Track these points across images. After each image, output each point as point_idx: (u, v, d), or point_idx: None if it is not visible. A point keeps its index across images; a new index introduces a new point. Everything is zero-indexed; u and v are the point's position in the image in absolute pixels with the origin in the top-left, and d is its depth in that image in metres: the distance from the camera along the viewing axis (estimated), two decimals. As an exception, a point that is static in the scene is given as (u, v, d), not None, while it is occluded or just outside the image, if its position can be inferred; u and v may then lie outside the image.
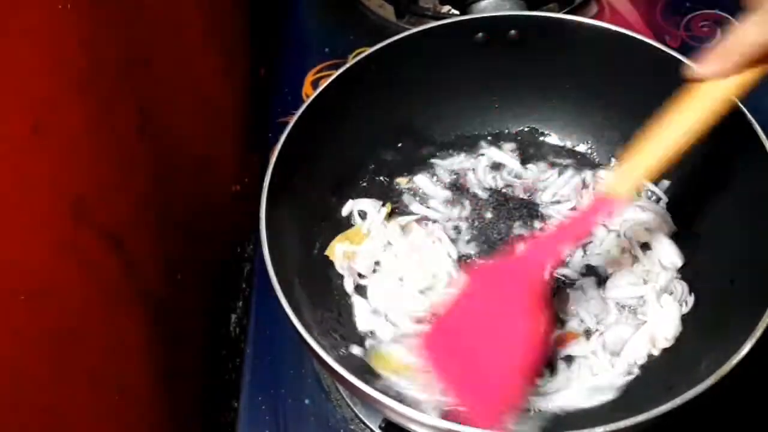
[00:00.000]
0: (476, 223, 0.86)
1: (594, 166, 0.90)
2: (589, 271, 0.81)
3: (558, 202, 0.87)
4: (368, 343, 0.78)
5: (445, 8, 1.08)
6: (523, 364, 0.65)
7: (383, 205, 0.86)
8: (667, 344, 0.75)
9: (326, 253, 0.82)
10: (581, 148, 0.92)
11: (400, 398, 0.66)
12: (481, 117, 0.93)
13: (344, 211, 0.85)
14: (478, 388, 0.66)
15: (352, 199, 0.86)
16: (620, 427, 0.59)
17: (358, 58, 0.82)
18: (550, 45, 0.84)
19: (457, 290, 0.72)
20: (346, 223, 0.86)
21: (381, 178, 0.90)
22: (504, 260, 0.72)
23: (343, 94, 0.81)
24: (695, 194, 0.82)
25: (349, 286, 0.81)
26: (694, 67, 0.65)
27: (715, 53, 0.63)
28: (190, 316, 0.90)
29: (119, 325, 0.72)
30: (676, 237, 0.82)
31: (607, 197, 0.68)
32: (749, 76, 0.64)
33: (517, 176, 0.90)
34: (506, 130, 0.93)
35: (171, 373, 0.82)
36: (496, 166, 0.90)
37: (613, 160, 0.89)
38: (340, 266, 0.82)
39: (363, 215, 0.86)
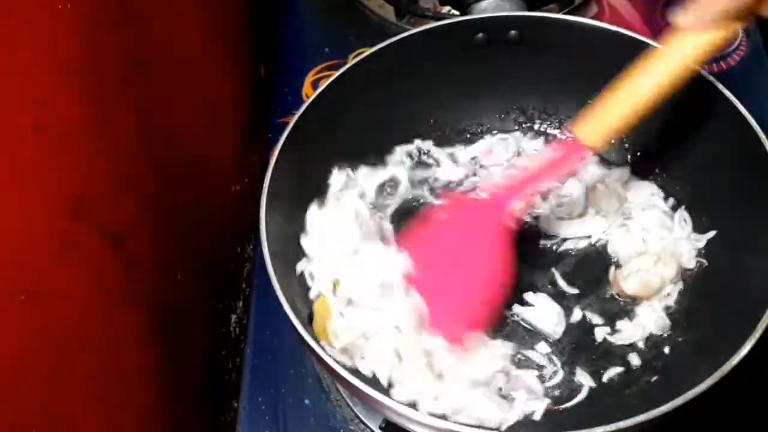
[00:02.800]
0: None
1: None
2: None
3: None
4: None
5: (445, 9, 1.08)
6: (484, 295, 0.73)
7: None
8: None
9: (322, 343, 0.70)
10: (581, 148, 0.91)
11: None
12: (482, 117, 0.93)
13: (297, 269, 0.78)
14: (447, 310, 0.73)
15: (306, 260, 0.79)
16: (620, 427, 0.59)
17: (358, 58, 0.82)
18: (550, 45, 0.84)
19: (434, 216, 0.78)
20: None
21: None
22: (474, 199, 0.78)
23: (343, 95, 0.81)
24: (697, 196, 0.82)
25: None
26: (675, 14, 0.66)
27: (696, 3, 0.65)
28: (190, 316, 0.90)
29: (119, 325, 0.72)
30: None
31: (577, 143, 0.71)
32: (721, 33, 0.65)
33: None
34: (507, 130, 0.93)
35: (171, 372, 0.82)
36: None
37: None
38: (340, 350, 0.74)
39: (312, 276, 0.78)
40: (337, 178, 0.84)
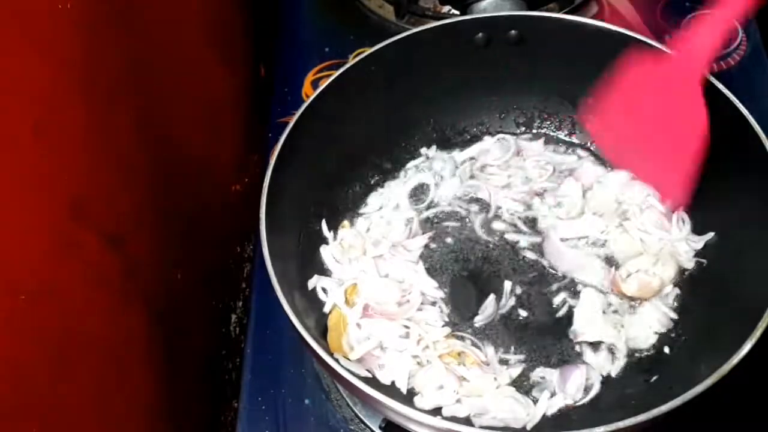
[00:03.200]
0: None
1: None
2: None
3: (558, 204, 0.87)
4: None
5: (445, 8, 1.08)
6: (692, 147, 0.73)
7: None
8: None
9: (336, 356, 0.70)
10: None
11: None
12: (481, 117, 0.93)
13: (309, 285, 0.78)
14: (660, 168, 0.76)
15: (318, 275, 0.79)
16: (620, 427, 0.59)
17: (358, 58, 0.82)
18: (550, 45, 0.84)
19: (620, 78, 0.78)
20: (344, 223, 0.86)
21: (378, 177, 0.90)
22: (666, 56, 0.76)
23: (343, 94, 0.81)
24: (696, 195, 0.82)
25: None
26: None
27: None
28: (190, 316, 0.90)
29: (119, 324, 0.72)
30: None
31: None
32: None
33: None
34: (506, 130, 0.93)
35: (171, 372, 0.82)
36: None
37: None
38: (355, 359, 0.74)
39: (326, 291, 0.78)
40: (374, 199, 0.88)
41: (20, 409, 0.57)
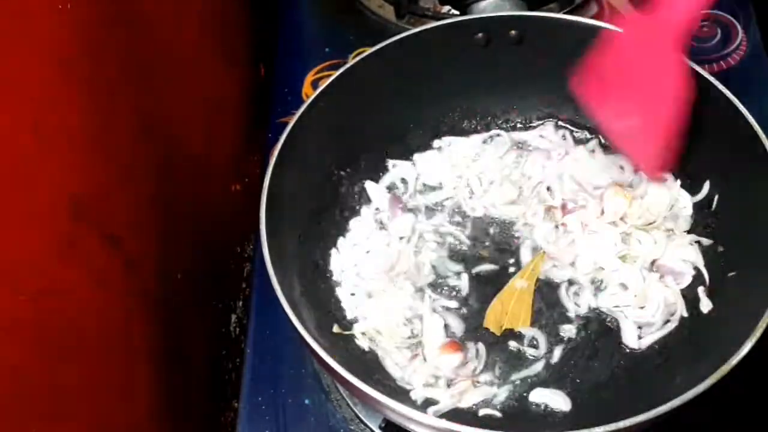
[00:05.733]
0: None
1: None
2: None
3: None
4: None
5: (445, 8, 1.09)
6: (670, 113, 0.71)
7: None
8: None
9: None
10: (581, 148, 0.91)
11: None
12: (481, 116, 0.92)
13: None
14: (641, 139, 0.74)
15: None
16: (620, 427, 0.59)
17: (358, 58, 0.82)
18: (550, 45, 0.84)
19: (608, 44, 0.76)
20: (344, 224, 0.86)
21: (379, 176, 0.89)
22: (648, 18, 0.73)
23: (343, 95, 0.81)
24: (696, 195, 0.82)
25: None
26: None
27: None
28: (190, 316, 0.90)
29: (119, 324, 0.72)
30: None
31: None
32: None
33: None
34: (506, 130, 0.93)
35: (171, 373, 0.82)
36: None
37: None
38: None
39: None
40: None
41: (20, 408, 0.57)
